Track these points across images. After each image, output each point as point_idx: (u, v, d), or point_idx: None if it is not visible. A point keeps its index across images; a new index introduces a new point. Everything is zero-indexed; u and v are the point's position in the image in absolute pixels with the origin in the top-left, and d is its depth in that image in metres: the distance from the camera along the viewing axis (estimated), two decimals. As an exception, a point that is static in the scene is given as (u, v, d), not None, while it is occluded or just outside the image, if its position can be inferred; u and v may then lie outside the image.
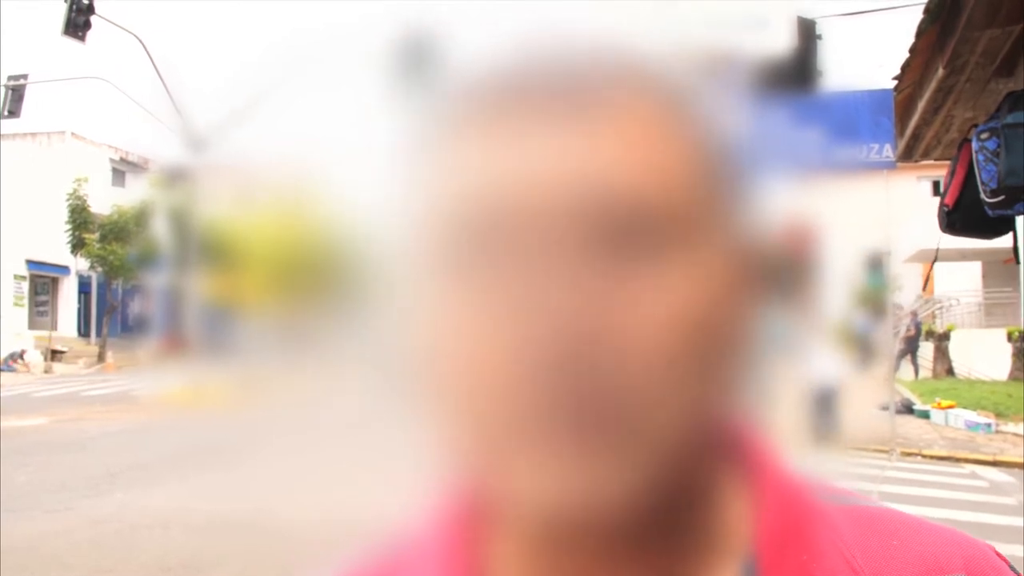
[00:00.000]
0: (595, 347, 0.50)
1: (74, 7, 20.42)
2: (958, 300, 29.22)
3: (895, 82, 6.93)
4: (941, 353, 24.40)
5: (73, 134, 37.43)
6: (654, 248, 0.52)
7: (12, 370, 29.80)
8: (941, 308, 29.48)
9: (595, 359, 0.50)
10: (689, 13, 0.63)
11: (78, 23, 20.56)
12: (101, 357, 33.28)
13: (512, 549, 0.62)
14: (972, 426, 16.20)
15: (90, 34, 20.87)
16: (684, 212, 0.53)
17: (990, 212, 5.09)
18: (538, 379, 0.50)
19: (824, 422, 10.88)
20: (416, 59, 0.60)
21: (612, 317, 0.51)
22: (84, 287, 38.24)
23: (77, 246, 32.96)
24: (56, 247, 33.82)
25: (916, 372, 24.47)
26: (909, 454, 13.99)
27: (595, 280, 0.51)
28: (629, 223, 0.51)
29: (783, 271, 0.63)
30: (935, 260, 7.32)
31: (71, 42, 21.41)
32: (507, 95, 0.53)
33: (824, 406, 10.95)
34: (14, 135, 36.06)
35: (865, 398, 15.88)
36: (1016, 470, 12.68)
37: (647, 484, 0.52)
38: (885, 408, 15.28)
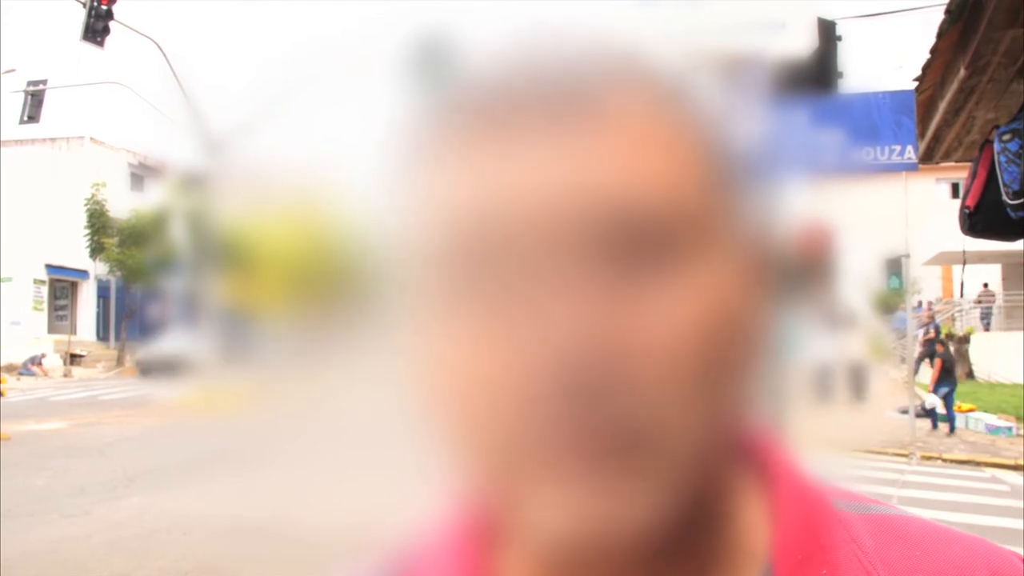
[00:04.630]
0: (609, 364, 0.48)
1: (93, 13, 20.55)
2: (979, 302, 29.09)
3: (916, 83, 6.90)
4: (961, 356, 24.27)
5: (92, 139, 37.66)
6: (664, 258, 0.50)
7: (32, 374, 30.03)
8: (960, 311, 29.35)
9: (610, 377, 0.48)
10: (706, 17, 0.61)
11: (97, 29, 20.69)
12: (120, 361, 33.50)
13: (524, 566, 0.61)
14: (993, 430, 16.14)
15: (108, 39, 20.98)
16: (693, 219, 0.51)
17: (1012, 214, 5.07)
18: (552, 401, 0.48)
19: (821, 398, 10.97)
20: (426, 65, 0.58)
21: (625, 332, 0.49)
22: (103, 291, 38.48)
23: (96, 250, 33.18)
24: (75, 251, 34.06)
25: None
26: (929, 458, 13.94)
27: (606, 295, 0.49)
28: (637, 233, 0.49)
29: (799, 274, 0.62)
30: (964, 263, 7.29)
31: (90, 47, 21.58)
32: (509, 104, 0.51)
33: (820, 385, 11.02)
34: (33, 140, 36.39)
35: (887, 399, 15.84)
36: (1038, 474, 12.61)
37: (668, 505, 0.50)
38: (905, 412, 15.24)
